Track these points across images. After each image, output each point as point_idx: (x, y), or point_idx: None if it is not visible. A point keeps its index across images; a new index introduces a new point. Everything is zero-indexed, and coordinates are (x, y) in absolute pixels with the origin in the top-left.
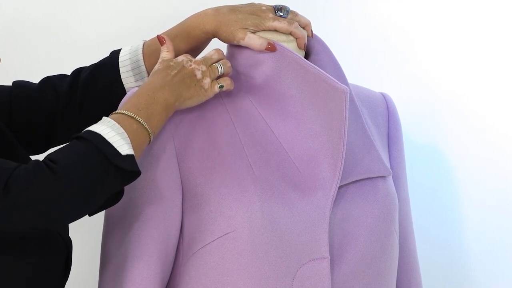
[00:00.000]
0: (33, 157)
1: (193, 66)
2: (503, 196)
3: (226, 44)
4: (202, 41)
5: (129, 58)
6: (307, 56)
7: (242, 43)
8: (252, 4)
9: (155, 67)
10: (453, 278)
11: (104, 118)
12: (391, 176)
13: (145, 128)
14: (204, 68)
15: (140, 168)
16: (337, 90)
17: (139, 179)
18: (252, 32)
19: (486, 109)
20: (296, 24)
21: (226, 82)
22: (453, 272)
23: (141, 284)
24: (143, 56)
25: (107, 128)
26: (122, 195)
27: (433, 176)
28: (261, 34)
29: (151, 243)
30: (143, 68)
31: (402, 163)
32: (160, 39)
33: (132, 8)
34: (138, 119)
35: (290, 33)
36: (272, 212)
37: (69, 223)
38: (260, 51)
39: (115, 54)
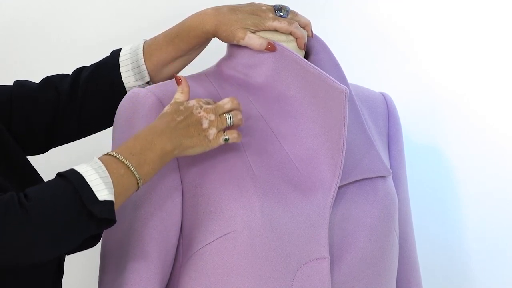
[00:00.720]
0: (33, 157)
1: (201, 114)
2: (503, 196)
3: (226, 44)
4: (202, 41)
5: (130, 58)
6: (307, 56)
7: (242, 42)
8: (252, 4)
9: (165, 108)
10: (453, 278)
11: (94, 158)
12: (391, 176)
13: (134, 174)
14: (212, 117)
15: None
16: (336, 90)
17: None
18: (252, 32)
19: (486, 109)
20: (296, 24)
21: (233, 135)
22: (453, 272)
23: (141, 284)
24: (143, 55)
25: (91, 170)
26: (99, 240)
27: (433, 176)
28: (261, 34)
29: (151, 244)
30: (144, 67)
31: (402, 163)
32: (177, 80)
33: (132, 8)
34: (127, 164)
35: (290, 33)
36: (272, 212)
37: (41, 261)
38: (260, 51)
39: (116, 53)
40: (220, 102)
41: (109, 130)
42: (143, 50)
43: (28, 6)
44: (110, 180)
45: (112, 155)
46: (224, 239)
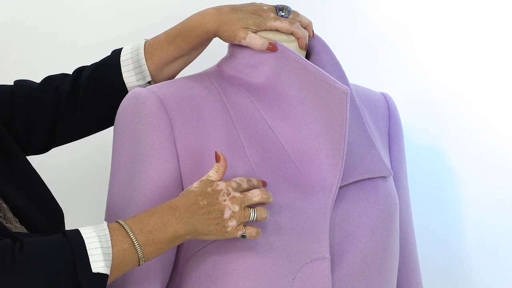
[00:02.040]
0: (35, 157)
1: (226, 202)
2: (503, 196)
3: (227, 44)
4: (203, 40)
5: (131, 57)
6: (308, 56)
7: (243, 42)
8: (253, 4)
9: (194, 184)
10: (453, 278)
11: (103, 223)
12: (391, 176)
13: (137, 252)
14: (236, 208)
15: (141, 169)
16: (337, 90)
17: (139, 180)
18: (253, 32)
19: (486, 109)
20: (297, 24)
21: (251, 234)
22: (454, 272)
23: (141, 284)
24: (144, 55)
25: (94, 237)
26: None
27: (434, 176)
28: (262, 34)
29: None
30: (145, 67)
31: (403, 163)
32: (216, 156)
33: (132, 8)
34: (134, 240)
35: (291, 33)
36: (273, 213)
37: None
38: (261, 51)
39: (116, 53)
40: (249, 193)
41: (110, 129)
42: (144, 50)
43: (28, 6)
44: (111, 252)
45: (122, 226)
46: (224, 240)
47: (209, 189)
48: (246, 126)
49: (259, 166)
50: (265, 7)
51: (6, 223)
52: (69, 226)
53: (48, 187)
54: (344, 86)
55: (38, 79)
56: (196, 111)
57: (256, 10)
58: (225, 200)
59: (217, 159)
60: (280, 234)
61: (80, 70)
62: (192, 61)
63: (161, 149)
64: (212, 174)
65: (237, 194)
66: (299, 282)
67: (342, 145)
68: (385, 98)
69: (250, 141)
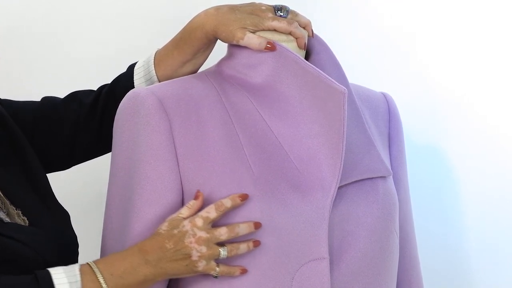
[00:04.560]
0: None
1: (192, 244)
2: (503, 196)
3: (226, 44)
4: (204, 42)
5: (142, 66)
6: (307, 56)
7: (241, 42)
8: (252, 4)
9: (163, 224)
10: (453, 278)
11: (75, 266)
12: (391, 176)
13: None
14: (204, 250)
15: (140, 169)
16: (335, 91)
17: (138, 180)
18: (252, 32)
19: (487, 109)
20: (296, 24)
21: (223, 272)
22: (454, 272)
23: None
24: (154, 62)
25: (66, 284)
26: None
27: (434, 176)
28: (261, 33)
29: None
30: (153, 73)
31: (403, 163)
32: (196, 194)
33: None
34: (103, 286)
35: (290, 33)
36: (272, 213)
37: None
38: (260, 51)
39: (132, 66)
40: (216, 232)
41: None
42: (154, 58)
43: (29, 16)
44: None
45: (92, 270)
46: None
47: (175, 231)
48: (245, 126)
49: (258, 166)
50: (264, 7)
51: (4, 211)
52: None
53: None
54: (342, 86)
55: (38, 81)
56: (195, 111)
57: (254, 10)
58: (191, 242)
59: (196, 197)
60: (279, 234)
61: (103, 86)
62: (200, 64)
63: (160, 149)
64: (184, 212)
65: (203, 234)
66: (298, 282)
67: (341, 145)
68: (386, 98)
69: (249, 141)
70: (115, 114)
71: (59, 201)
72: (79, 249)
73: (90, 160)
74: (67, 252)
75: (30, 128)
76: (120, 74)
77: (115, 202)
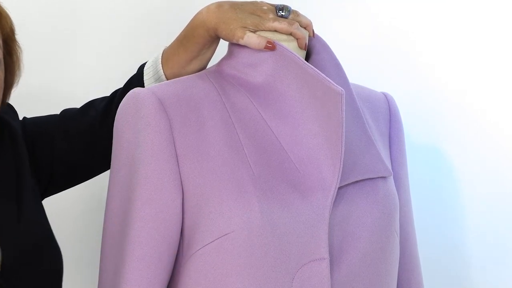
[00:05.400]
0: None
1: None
2: (504, 196)
3: (227, 43)
4: (207, 39)
5: (151, 66)
6: (308, 56)
7: (241, 42)
8: (254, 3)
9: None
10: (454, 278)
11: None
12: (392, 177)
13: None
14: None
15: (140, 169)
16: (332, 91)
17: (139, 180)
18: (252, 31)
19: (487, 109)
20: (297, 24)
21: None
22: (454, 272)
23: (141, 285)
24: (161, 61)
25: None
26: None
27: (435, 176)
28: (262, 33)
29: (152, 244)
30: (161, 72)
31: (404, 163)
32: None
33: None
34: None
35: (290, 34)
36: (271, 213)
37: None
38: (260, 50)
39: (142, 66)
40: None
41: None
42: (162, 57)
43: (29, 8)
44: None
45: None
46: (223, 240)
47: None
48: (246, 126)
49: (258, 166)
50: (265, 7)
51: None
52: (68, 228)
53: None
54: (339, 87)
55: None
56: (195, 111)
57: (256, 10)
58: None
59: None
60: (279, 235)
61: (117, 90)
62: (208, 59)
63: (160, 149)
64: None
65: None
66: (298, 282)
67: (340, 145)
68: (386, 98)
69: (249, 141)
70: None
71: (59, 201)
72: (79, 249)
73: None
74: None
75: (50, 142)
76: (132, 76)
77: (115, 202)
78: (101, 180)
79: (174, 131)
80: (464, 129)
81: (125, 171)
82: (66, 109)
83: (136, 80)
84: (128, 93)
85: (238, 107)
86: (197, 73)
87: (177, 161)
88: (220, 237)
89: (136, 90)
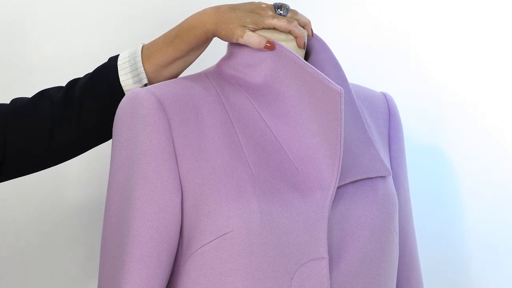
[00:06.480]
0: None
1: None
2: (505, 196)
3: (226, 44)
4: (203, 41)
5: (128, 61)
6: (307, 55)
7: (241, 41)
8: (252, 3)
9: None
10: (453, 278)
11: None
12: (391, 176)
13: None
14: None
15: (139, 169)
16: (332, 91)
17: (138, 180)
18: (252, 30)
19: (488, 109)
20: (295, 23)
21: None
22: (454, 272)
23: (140, 284)
24: (141, 57)
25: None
26: None
27: (434, 176)
28: (261, 32)
29: (151, 244)
30: (141, 69)
31: (403, 163)
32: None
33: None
34: None
35: (289, 32)
36: (271, 213)
37: None
38: (260, 50)
39: (113, 59)
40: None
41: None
42: (141, 53)
43: (26, 7)
44: None
45: None
46: (222, 239)
47: None
48: (245, 126)
49: (257, 166)
50: (264, 5)
51: None
52: (68, 228)
53: (48, 185)
54: (338, 86)
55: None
56: (194, 111)
57: (254, 9)
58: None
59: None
60: (278, 234)
61: (75, 80)
62: (191, 63)
63: (160, 150)
64: None
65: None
66: (297, 282)
67: (339, 145)
68: (386, 97)
69: (248, 141)
70: (94, 107)
71: (59, 200)
72: (79, 249)
73: (90, 160)
74: None
75: (2, 132)
76: (99, 67)
77: (115, 202)
78: (101, 180)
79: (173, 131)
80: (463, 128)
81: (124, 171)
82: (16, 98)
83: (106, 73)
84: (127, 93)
85: (237, 107)
86: (196, 74)
87: (176, 161)
88: (219, 237)
89: (135, 90)
